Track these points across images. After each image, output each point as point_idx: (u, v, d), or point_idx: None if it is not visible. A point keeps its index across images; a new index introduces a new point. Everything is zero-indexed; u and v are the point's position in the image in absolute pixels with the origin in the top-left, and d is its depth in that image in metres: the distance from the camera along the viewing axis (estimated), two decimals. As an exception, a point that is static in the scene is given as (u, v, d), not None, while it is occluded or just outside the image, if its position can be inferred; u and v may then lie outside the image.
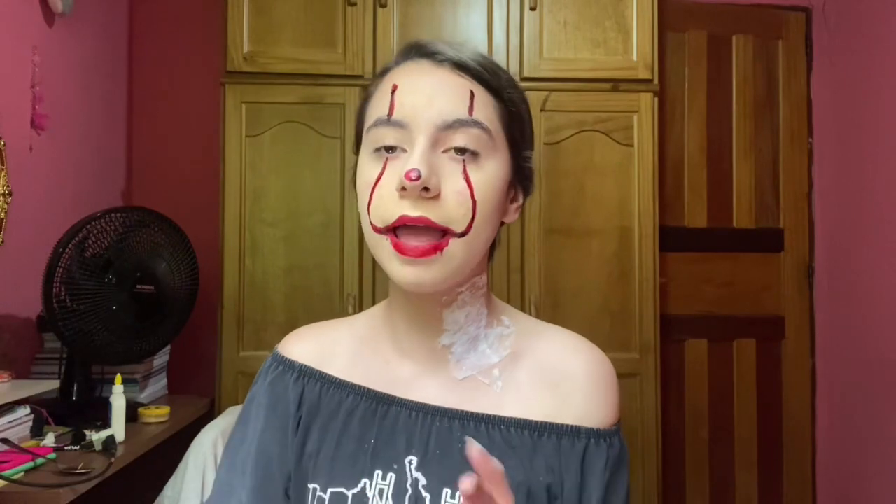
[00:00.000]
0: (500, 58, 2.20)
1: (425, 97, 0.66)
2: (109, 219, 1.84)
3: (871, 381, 2.38)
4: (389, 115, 0.66)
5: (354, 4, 2.17)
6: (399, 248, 0.64)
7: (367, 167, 0.67)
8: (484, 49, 2.21)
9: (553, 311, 2.16)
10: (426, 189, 0.63)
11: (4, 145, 1.77)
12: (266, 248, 2.14)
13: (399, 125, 0.65)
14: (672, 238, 2.49)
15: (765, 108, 2.67)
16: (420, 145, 0.64)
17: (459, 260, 0.66)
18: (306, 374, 0.75)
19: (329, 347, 0.77)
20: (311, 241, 2.14)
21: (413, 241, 0.64)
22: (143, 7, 2.58)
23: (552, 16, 2.23)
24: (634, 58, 2.22)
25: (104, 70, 2.40)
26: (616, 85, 2.21)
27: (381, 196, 0.65)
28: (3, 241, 1.76)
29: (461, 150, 0.65)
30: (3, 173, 1.76)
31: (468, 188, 0.65)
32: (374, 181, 0.66)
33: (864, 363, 2.41)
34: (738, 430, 2.61)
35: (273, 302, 2.13)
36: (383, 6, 2.18)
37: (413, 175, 0.62)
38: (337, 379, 0.74)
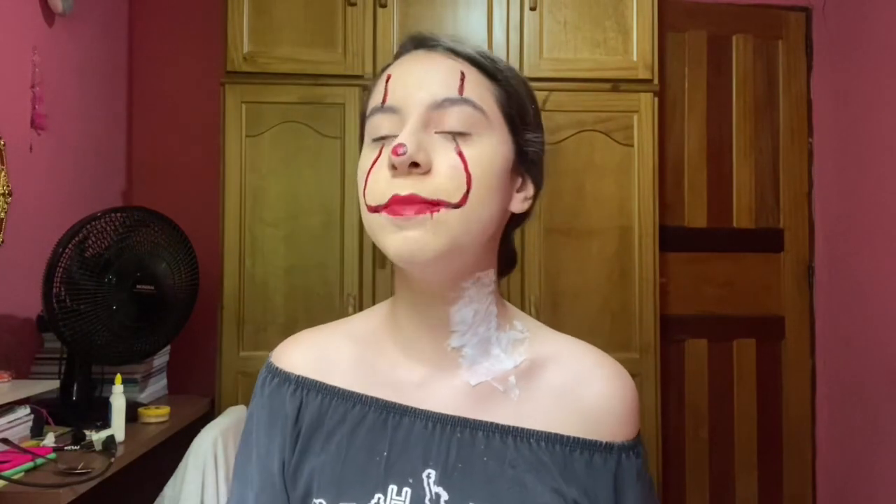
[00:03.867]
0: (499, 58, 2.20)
1: (416, 80, 0.66)
2: (109, 219, 1.84)
3: (871, 381, 2.38)
4: (383, 102, 0.66)
5: (354, 4, 2.17)
6: (391, 212, 0.62)
7: (366, 156, 0.67)
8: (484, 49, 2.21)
9: (553, 311, 2.16)
10: (416, 165, 0.62)
11: (4, 145, 1.77)
12: (266, 248, 2.14)
13: (392, 110, 0.65)
14: (672, 238, 2.49)
15: (765, 108, 2.67)
16: (409, 125, 0.63)
17: (454, 229, 0.62)
18: (304, 386, 0.71)
19: (327, 355, 0.73)
20: (311, 241, 2.14)
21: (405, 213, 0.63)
22: (143, 7, 2.58)
23: (552, 16, 2.23)
24: (634, 58, 2.22)
25: (104, 70, 2.40)
26: (616, 85, 2.21)
27: (376, 179, 0.64)
28: (3, 241, 1.76)
29: (450, 132, 0.64)
30: (3, 173, 1.76)
31: (462, 162, 0.63)
32: (369, 166, 0.65)
33: (864, 363, 2.41)
34: (738, 430, 2.61)
35: (273, 302, 2.13)
36: (383, 6, 2.18)
37: (400, 150, 0.61)
38: (340, 389, 0.70)
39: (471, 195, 0.63)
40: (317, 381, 0.71)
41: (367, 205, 0.65)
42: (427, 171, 0.62)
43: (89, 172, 2.28)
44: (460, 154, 0.63)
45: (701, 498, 2.58)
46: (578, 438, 0.67)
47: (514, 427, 0.67)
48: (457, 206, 0.62)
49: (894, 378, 2.26)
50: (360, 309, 2.05)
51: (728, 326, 2.62)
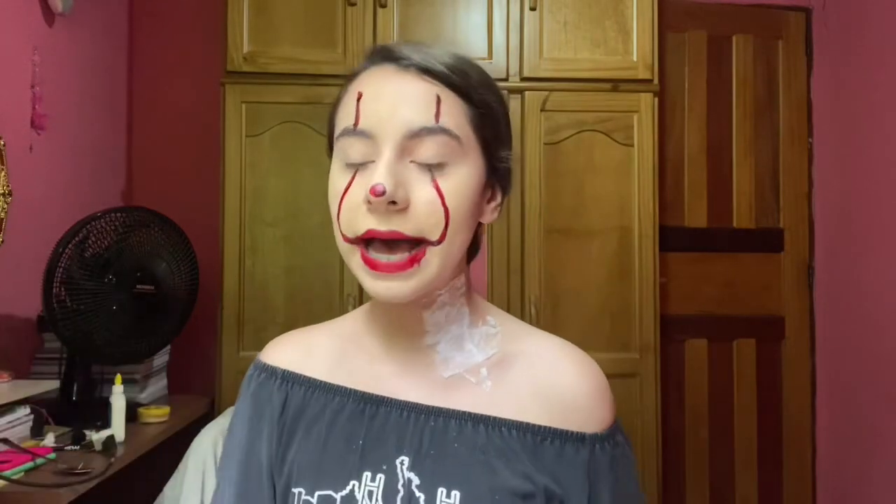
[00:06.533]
0: (499, 58, 2.21)
1: (389, 105, 0.64)
2: (109, 219, 1.84)
3: (871, 380, 2.38)
4: (355, 125, 0.65)
5: (354, 4, 2.17)
6: (370, 264, 0.64)
7: (337, 176, 0.67)
8: (484, 49, 2.21)
9: (553, 311, 2.16)
10: (393, 202, 0.62)
11: (4, 145, 1.77)
12: (266, 248, 2.14)
13: (364, 135, 0.64)
14: (672, 238, 2.49)
15: (765, 108, 2.67)
16: (385, 157, 0.62)
17: (435, 269, 0.65)
18: (289, 380, 0.73)
19: (310, 350, 0.75)
20: (311, 241, 2.14)
21: (385, 256, 0.64)
22: (143, 7, 2.58)
23: (552, 16, 2.23)
24: (634, 58, 2.22)
25: (104, 70, 2.40)
26: (616, 85, 2.21)
27: (350, 207, 0.64)
28: (3, 241, 1.76)
29: (425, 164, 0.64)
30: (3, 173, 1.76)
31: (439, 196, 0.63)
32: (342, 191, 0.65)
33: (864, 363, 2.41)
34: (738, 430, 2.61)
35: (273, 302, 2.13)
36: (383, 6, 2.18)
37: (378, 189, 0.61)
38: (321, 381, 0.73)
39: (449, 231, 0.64)
40: (300, 375, 0.73)
41: (341, 233, 0.66)
42: (405, 208, 0.62)
43: (89, 172, 2.28)
44: (437, 188, 0.63)
45: (701, 498, 2.58)
46: (549, 428, 0.68)
47: (485, 416, 0.68)
48: (437, 242, 0.64)
49: (894, 378, 2.26)
50: (360, 309, 2.05)
51: (728, 326, 2.62)
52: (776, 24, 2.68)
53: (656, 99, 2.23)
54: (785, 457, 2.63)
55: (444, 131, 0.64)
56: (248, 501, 0.71)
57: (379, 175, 0.61)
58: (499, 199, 0.72)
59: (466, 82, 0.66)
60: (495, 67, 2.19)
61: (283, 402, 0.72)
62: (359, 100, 0.65)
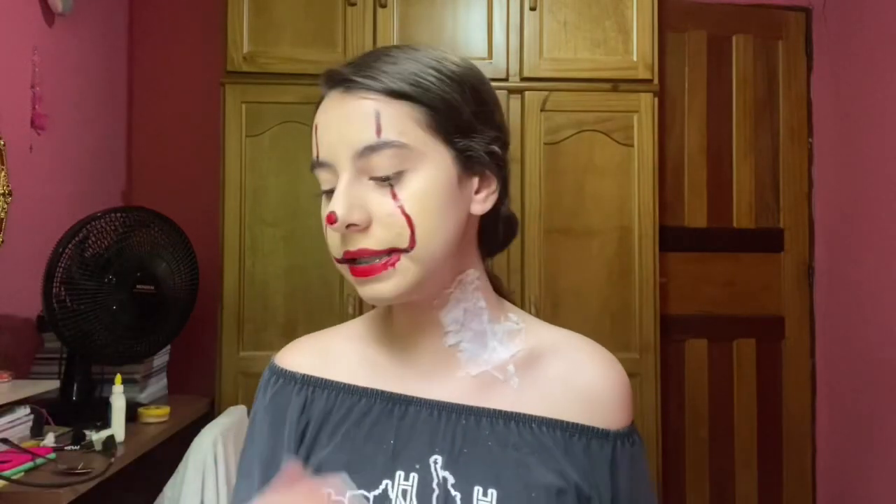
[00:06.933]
0: (499, 58, 2.21)
1: (336, 131, 0.65)
2: (109, 219, 1.84)
3: (871, 380, 2.38)
4: (316, 156, 0.67)
5: (354, 4, 2.17)
6: (355, 272, 0.66)
7: (322, 205, 0.69)
8: (484, 49, 2.21)
9: (553, 311, 2.16)
10: (354, 224, 0.64)
11: (4, 145, 1.77)
12: (266, 248, 2.14)
13: (325, 165, 0.66)
14: (672, 238, 2.49)
15: (765, 108, 2.67)
16: (342, 182, 0.64)
17: (416, 271, 0.65)
18: (310, 384, 0.73)
19: (330, 354, 0.75)
20: (311, 241, 2.14)
21: (365, 261, 0.65)
22: (143, 7, 2.58)
23: (552, 16, 2.23)
24: (634, 58, 2.22)
25: (104, 70, 2.40)
26: (616, 85, 2.21)
27: (330, 234, 0.67)
28: (3, 241, 1.76)
29: (381, 179, 0.64)
30: (3, 173, 1.76)
31: (398, 207, 0.64)
32: (324, 219, 0.67)
33: (864, 363, 2.41)
34: (738, 430, 2.61)
35: (273, 302, 2.13)
36: (383, 6, 2.18)
37: (331, 218, 0.63)
38: (345, 384, 0.72)
39: (417, 234, 0.64)
40: (322, 379, 0.73)
41: (334, 257, 0.68)
42: (367, 227, 0.64)
43: (89, 172, 2.28)
44: (394, 198, 0.64)
45: (701, 497, 2.58)
46: (577, 424, 0.69)
47: (516, 413, 0.69)
48: (408, 249, 0.64)
49: (894, 378, 2.26)
50: (360, 309, 2.05)
51: (728, 326, 2.62)
52: (776, 24, 2.68)
53: (656, 99, 2.23)
54: (785, 457, 2.63)
55: (388, 144, 0.64)
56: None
57: (333, 203, 0.64)
58: (493, 184, 0.70)
59: (407, 81, 0.66)
60: (495, 67, 2.19)
61: (303, 405, 0.72)
62: (315, 131, 0.68)
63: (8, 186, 1.77)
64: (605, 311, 2.18)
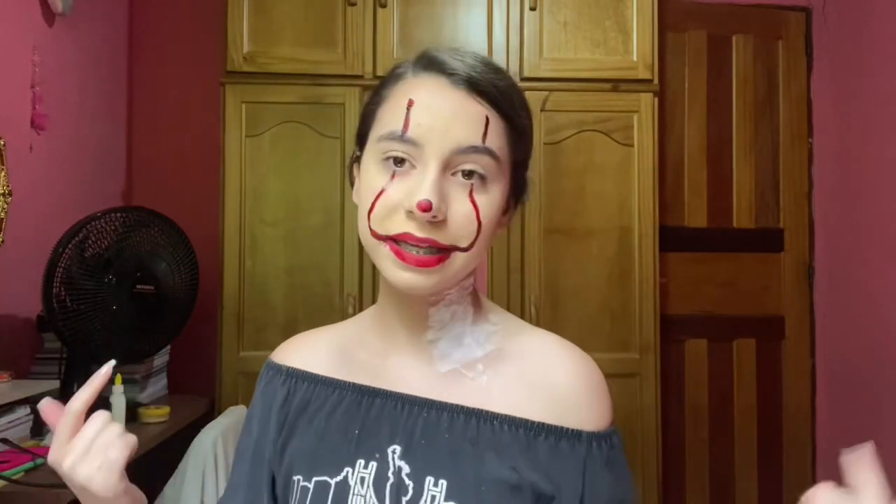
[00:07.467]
0: (500, 58, 2.20)
1: (442, 121, 0.66)
2: (109, 219, 1.84)
3: (871, 380, 2.38)
4: (404, 131, 0.66)
5: (354, 4, 2.17)
6: (400, 256, 0.66)
7: (374, 173, 0.68)
8: (484, 49, 2.21)
9: (553, 311, 2.16)
10: (434, 215, 0.65)
11: (4, 145, 1.77)
12: (266, 248, 2.14)
13: (412, 143, 0.66)
14: (672, 238, 2.49)
15: (765, 108, 2.67)
16: (432, 172, 0.65)
17: (458, 270, 0.68)
18: (294, 376, 0.78)
19: (316, 349, 0.80)
20: (311, 241, 2.14)
21: (416, 250, 0.66)
22: (143, 7, 2.58)
23: (552, 16, 2.23)
24: (634, 58, 2.22)
25: (104, 70, 2.40)
26: (616, 85, 2.21)
27: (386, 207, 0.67)
28: (3, 241, 1.76)
29: (469, 174, 0.67)
30: (3, 173, 1.76)
31: (475, 211, 0.67)
32: (378, 189, 0.67)
33: (864, 363, 2.41)
34: (738, 430, 2.61)
35: (273, 302, 2.13)
36: (383, 6, 2.18)
37: (425, 206, 0.63)
38: (323, 377, 0.77)
39: (478, 241, 0.68)
40: (305, 371, 0.78)
41: (371, 229, 0.68)
42: (443, 220, 0.66)
43: (89, 172, 2.28)
44: (473, 202, 0.67)
45: (701, 498, 2.58)
46: (544, 424, 0.70)
47: (478, 409, 0.71)
48: (466, 249, 0.68)
49: (894, 377, 2.26)
50: (360, 308, 2.05)
51: (728, 326, 2.62)
52: (776, 24, 2.68)
53: (656, 99, 2.23)
54: (785, 457, 2.63)
55: (489, 152, 0.67)
56: (253, 490, 0.76)
57: (425, 191, 0.64)
58: (512, 209, 0.75)
59: (510, 105, 0.70)
60: (495, 67, 2.19)
61: (286, 396, 0.77)
62: (409, 107, 0.67)
63: (8, 186, 1.77)
64: (605, 311, 2.18)
